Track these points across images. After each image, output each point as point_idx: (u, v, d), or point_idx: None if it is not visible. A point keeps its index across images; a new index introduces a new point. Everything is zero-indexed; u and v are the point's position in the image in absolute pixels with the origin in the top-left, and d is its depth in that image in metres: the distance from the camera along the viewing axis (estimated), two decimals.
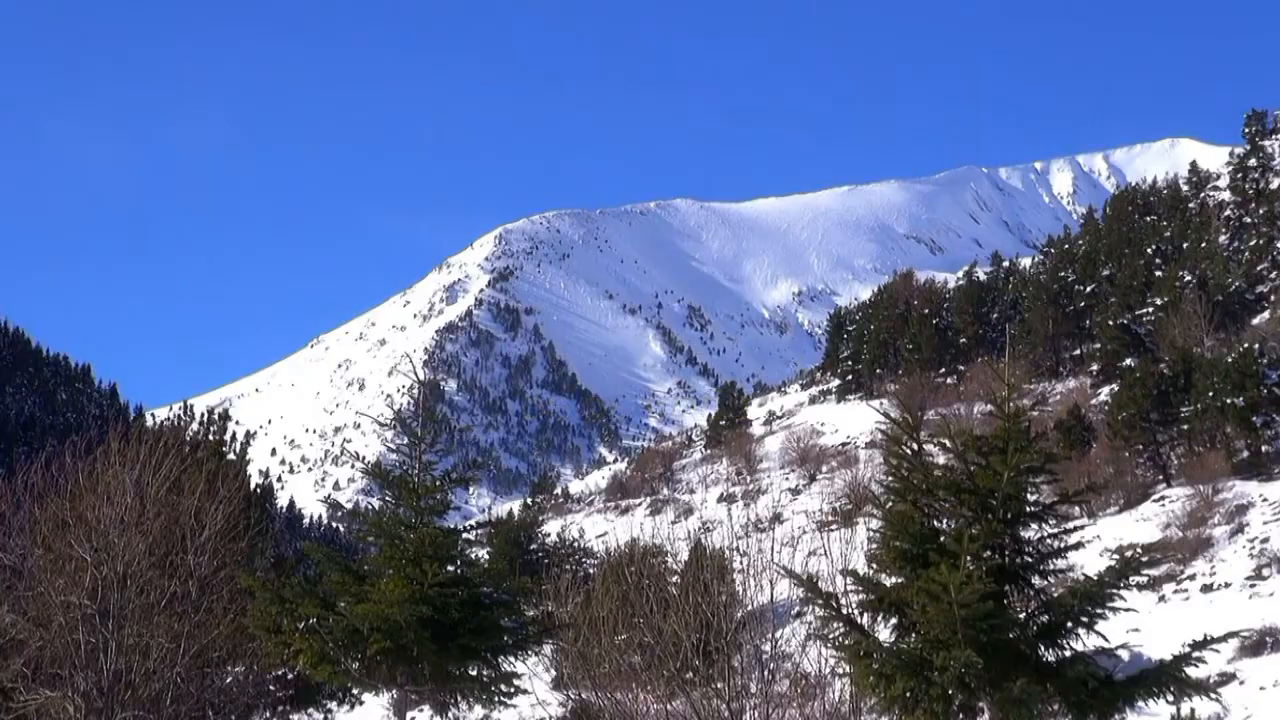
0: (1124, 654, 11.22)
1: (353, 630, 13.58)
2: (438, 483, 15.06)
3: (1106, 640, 11.05)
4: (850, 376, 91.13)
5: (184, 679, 16.63)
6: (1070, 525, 11.52)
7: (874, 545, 11.54)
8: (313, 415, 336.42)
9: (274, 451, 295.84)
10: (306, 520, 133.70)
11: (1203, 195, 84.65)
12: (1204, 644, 10.84)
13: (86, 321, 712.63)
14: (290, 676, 21.03)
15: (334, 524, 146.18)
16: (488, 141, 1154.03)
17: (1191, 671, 10.82)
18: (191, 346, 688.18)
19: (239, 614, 16.95)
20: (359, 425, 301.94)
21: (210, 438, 26.11)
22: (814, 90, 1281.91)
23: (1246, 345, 48.49)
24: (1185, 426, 49.08)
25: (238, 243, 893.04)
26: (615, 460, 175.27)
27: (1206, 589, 34.41)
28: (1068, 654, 10.92)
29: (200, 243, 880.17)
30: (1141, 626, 28.35)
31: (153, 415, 63.33)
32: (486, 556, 36.72)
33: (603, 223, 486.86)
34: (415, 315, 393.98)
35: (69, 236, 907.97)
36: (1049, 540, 11.28)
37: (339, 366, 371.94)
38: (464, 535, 15.02)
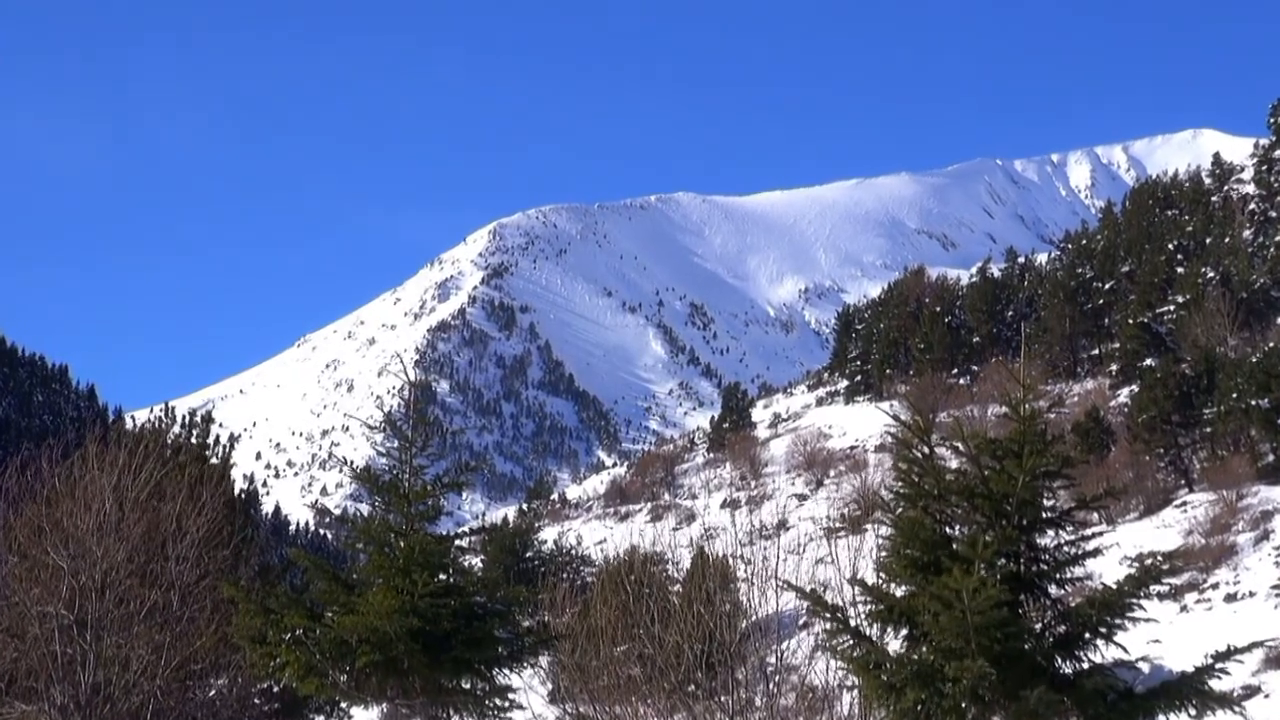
0: (1144, 666, 11.23)
1: (341, 642, 13.58)
2: (429, 488, 14.99)
3: (1126, 651, 11.06)
4: (859, 377, 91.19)
5: (165, 692, 16.63)
6: (1088, 532, 11.53)
7: (883, 553, 11.55)
8: (299, 417, 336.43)
9: (259, 455, 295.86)
10: (293, 527, 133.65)
11: (1226, 188, 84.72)
12: (1227, 655, 10.85)
13: (63, 320, 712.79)
14: (276, 689, 21.05)
15: (321, 530, 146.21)
16: (481, 134, 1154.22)
17: (1214, 684, 10.83)
18: (173, 347, 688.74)
19: (223, 624, 16.95)
20: (347, 428, 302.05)
21: (193, 441, 26.11)
22: (820, 80, 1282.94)
23: (1272, 345, 48.53)
24: (1208, 429, 49.09)
25: (221, 239, 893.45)
26: (614, 464, 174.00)
27: (1230, 598, 34.43)
28: (1085, 665, 10.92)
29: (181, 240, 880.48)
30: (1162, 637, 28.39)
31: (132, 418, 63.21)
32: (480, 565, 36.56)
33: (601, 217, 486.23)
34: (406, 313, 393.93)
35: (45, 234, 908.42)
36: (1066, 547, 11.29)
37: (327, 367, 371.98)
38: (457, 543, 15.02)
